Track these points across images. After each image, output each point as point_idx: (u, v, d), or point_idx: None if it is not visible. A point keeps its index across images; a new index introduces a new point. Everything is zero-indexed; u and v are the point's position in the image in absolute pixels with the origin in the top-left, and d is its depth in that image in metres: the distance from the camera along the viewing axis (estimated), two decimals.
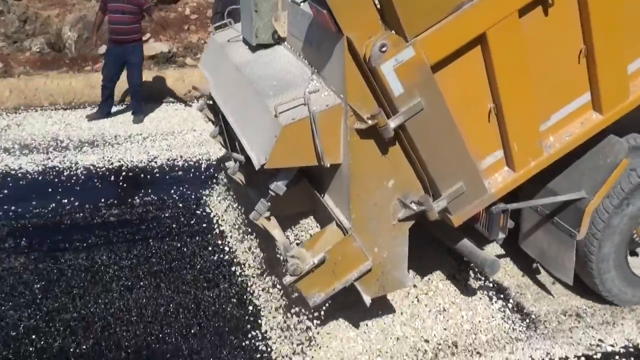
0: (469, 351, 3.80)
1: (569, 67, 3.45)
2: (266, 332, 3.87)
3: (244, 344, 3.79)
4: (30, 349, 3.64)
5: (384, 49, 2.90)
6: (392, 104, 3.07)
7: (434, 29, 3.01)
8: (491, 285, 4.27)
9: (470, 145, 3.32)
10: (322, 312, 3.74)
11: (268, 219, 3.75)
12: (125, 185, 5.77)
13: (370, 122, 3.07)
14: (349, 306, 4.03)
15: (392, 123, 3.08)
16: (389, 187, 3.38)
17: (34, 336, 3.72)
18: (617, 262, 3.94)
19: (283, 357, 3.67)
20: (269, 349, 3.73)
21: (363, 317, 3.97)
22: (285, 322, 3.88)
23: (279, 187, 3.45)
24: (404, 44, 2.95)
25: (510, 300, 4.14)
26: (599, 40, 3.36)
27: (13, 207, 5.09)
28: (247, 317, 3.99)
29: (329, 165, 3.26)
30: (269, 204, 3.61)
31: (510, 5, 3.11)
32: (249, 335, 3.83)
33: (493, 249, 4.50)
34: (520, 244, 4.19)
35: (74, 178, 5.78)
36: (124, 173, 5.95)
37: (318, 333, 3.79)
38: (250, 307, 4.08)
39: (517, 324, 3.95)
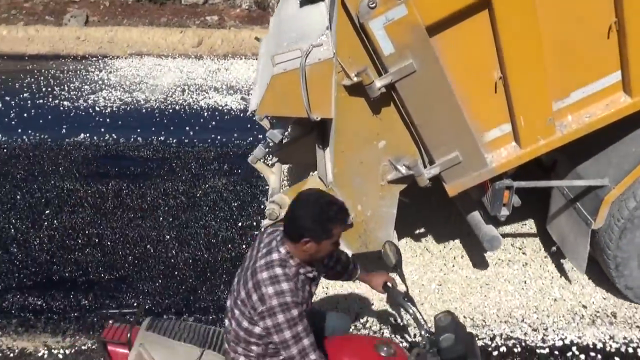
0: (628, 324, 3.72)
1: (595, 42, 3.08)
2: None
3: None
4: None
5: (372, 4, 2.77)
6: (382, 63, 2.96)
7: None
8: None
9: (472, 115, 3.17)
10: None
11: (271, 165, 3.95)
12: None
13: (355, 79, 3.01)
14: (509, 263, 4.15)
15: (379, 82, 2.99)
16: (379, 148, 3.31)
17: None
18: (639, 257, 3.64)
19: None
20: None
21: (522, 275, 4.07)
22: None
23: (274, 134, 3.58)
24: (395, 1, 2.78)
25: None
26: (632, 14, 2.95)
27: (219, 137, 5.97)
28: None
29: (318, 119, 3.29)
30: (267, 149, 3.78)
31: None
32: None
33: None
34: (546, 226, 4.03)
35: None
36: None
37: (477, 283, 4.05)
38: None
39: None
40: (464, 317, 3.86)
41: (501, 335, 3.74)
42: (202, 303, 4.13)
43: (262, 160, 3.93)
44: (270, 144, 3.71)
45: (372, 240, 3.63)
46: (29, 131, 6.11)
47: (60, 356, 3.71)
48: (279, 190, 3.89)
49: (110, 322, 2.66)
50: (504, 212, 3.56)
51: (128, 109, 6.52)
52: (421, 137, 3.23)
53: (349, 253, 3.63)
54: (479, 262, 4.24)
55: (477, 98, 3.17)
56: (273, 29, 4.09)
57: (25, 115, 6.50)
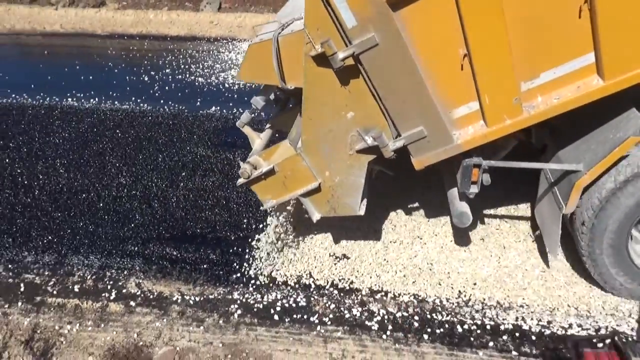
0: None
1: (566, 22, 2.90)
2: None
3: None
4: None
5: None
6: (346, 35, 2.99)
7: None
8: None
9: (440, 91, 3.14)
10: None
11: (259, 131, 4.13)
12: None
13: (319, 49, 3.04)
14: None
15: (341, 54, 3.02)
16: (347, 118, 3.37)
17: None
18: (613, 247, 3.52)
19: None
20: None
21: None
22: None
23: (257, 101, 3.85)
24: None
25: None
26: None
27: None
28: None
29: (292, 88, 3.42)
30: (251, 115, 3.98)
31: None
32: None
33: None
34: (534, 210, 4.02)
35: None
36: None
37: (583, 274, 4.05)
38: None
39: None
40: (568, 305, 3.89)
41: (606, 327, 3.72)
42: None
43: (249, 125, 4.12)
44: (255, 110, 3.95)
45: (340, 205, 3.77)
46: (170, 102, 6.91)
47: (191, 302, 4.20)
48: (260, 155, 3.98)
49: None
50: (473, 189, 3.55)
51: (253, 86, 7.05)
52: (387, 109, 3.26)
53: (316, 216, 3.91)
54: None
55: (444, 75, 3.13)
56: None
57: (166, 88, 7.34)
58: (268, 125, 4.36)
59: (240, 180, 3.84)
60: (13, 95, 7.32)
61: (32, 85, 7.49)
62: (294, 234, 4.75)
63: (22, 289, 4.27)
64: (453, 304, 3.98)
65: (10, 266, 4.55)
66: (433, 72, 3.12)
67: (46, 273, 4.47)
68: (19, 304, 4.14)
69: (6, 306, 4.11)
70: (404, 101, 3.20)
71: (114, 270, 4.50)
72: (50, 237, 4.86)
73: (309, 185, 3.72)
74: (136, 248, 4.75)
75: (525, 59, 3.02)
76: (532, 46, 2.99)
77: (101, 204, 5.26)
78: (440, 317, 3.88)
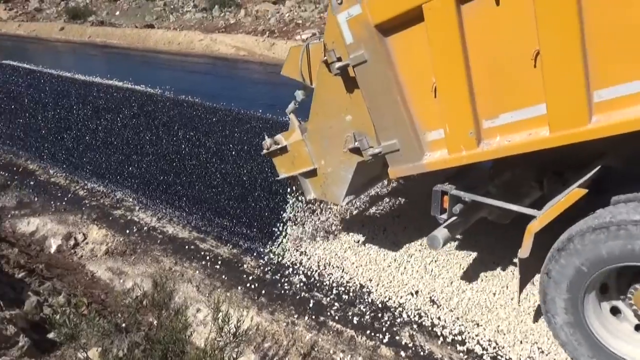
0: None
1: (523, 69, 2.98)
2: None
3: None
4: None
5: (339, 2, 3.47)
6: (345, 49, 3.61)
7: None
8: None
9: (417, 113, 3.52)
10: None
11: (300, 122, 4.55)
12: None
13: (325, 57, 3.75)
14: None
15: (338, 63, 3.67)
16: (346, 120, 3.94)
17: None
18: (569, 310, 3.18)
19: None
20: None
21: None
22: None
23: (297, 94, 4.45)
24: (355, 1, 3.40)
25: None
26: (547, 44, 2.81)
27: None
28: None
29: (314, 86, 4.11)
30: (295, 105, 4.51)
31: None
32: None
33: None
34: None
35: None
36: None
37: None
38: None
39: None
40: None
41: None
42: None
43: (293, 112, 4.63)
44: (297, 101, 4.51)
45: (329, 192, 4.41)
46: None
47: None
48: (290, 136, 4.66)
49: None
50: (443, 216, 3.72)
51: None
52: (371, 118, 3.74)
53: (310, 195, 4.58)
54: None
55: (421, 99, 3.47)
56: None
57: None
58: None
59: (264, 151, 4.62)
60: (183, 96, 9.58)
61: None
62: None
63: (310, 305, 4.54)
64: None
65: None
66: (413, 96, 3.51)
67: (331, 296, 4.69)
68: (305, 318, 4.39)
69: (295, 317, 4.41)
70: (382, 114, 3.66)
71: None
72: None
73: (307, 167, 4.44)
74: None
75: (488, 99, 3.19)
76: (494, 88, 3.14)
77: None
78: None
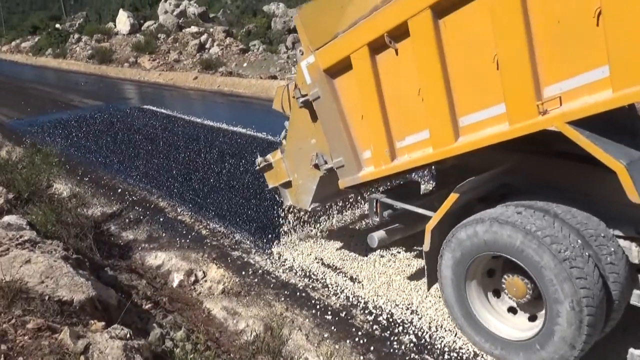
0: None
1: (412, 103, 4.06)
2: None
3: None
4: None
5: (301, 52, 4.71)
6: (307, 88, 4.78)
7: (325, 47, 4.51)
8: None
9: (356, 137, 4.63)
10: None
11: None
12: None
13: (293, 94, 4.99)
14: None
15: (301, 99, 4.87)
16: (311, 143, 5.11)
17: None
18: (456, 294, 4.06)
19: None
20: None
21: None
22: None
23: (286, 124, 5.46)
24: (310, 52, 4.60)
25: None
26: (428, 85, 3.90)
27: None
28: None
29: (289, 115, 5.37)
30: (285, 132, 5.59)
31: (361, 41, 4.19)
32: None
33: None
34: None
35: None
36: None
37: None
38: None
39: None
40: None
41: None
42: None
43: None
44: (286, 129, 5.51)
45: (300, 200, 5.59)
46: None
47: None
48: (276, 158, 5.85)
49: None
50: (375, 218, 4.88)
51: None
52: (327, 141, 4.84)
53: (287, 202, 5.87)
54: None
55: (357, 126, 4.58)
56: None
57: None
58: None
59: (256, 167, 5.92)
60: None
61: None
62: None
63: None
64: None
65: None
66: (352, 123, 4.61)
67: None
68: None
69: None
70: (332, 138, 4.76)
71: None
72: None
73: (285, 179, 5.65)
74: None
75: (397, 125, 4.28)
76: (400, 117, 4.25)
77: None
78: None
